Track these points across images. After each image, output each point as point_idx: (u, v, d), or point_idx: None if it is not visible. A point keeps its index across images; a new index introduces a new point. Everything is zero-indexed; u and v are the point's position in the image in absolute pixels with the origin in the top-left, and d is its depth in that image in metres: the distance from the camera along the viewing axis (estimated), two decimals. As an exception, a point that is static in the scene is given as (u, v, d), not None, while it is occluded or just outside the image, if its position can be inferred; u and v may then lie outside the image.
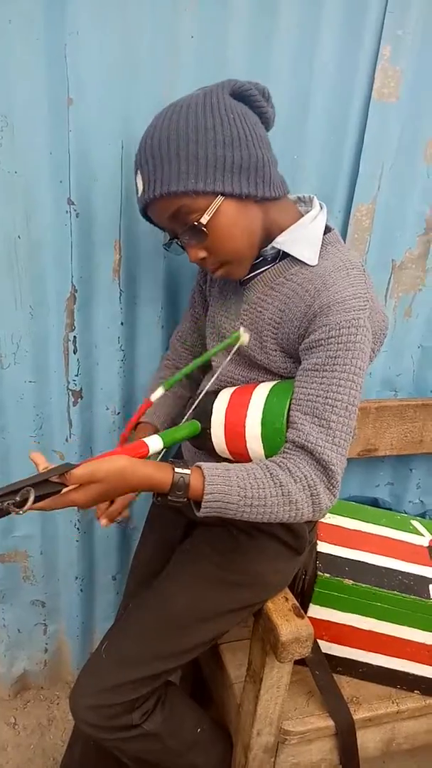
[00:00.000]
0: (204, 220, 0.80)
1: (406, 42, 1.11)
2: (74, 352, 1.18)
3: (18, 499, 0.66)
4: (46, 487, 0.70)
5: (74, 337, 1.16)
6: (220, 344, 0.89)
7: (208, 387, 0.95)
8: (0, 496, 0.66)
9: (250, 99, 0.83)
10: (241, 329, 0.87)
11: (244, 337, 0.87)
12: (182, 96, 0.83)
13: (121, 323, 1.19)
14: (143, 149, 0.81)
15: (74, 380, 1.20)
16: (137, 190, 0.85)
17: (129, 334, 1.22)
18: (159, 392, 0.86)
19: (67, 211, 1.06)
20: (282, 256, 0.88)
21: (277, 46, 1.06)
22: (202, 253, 0.85)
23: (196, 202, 0.80)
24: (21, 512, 0.66)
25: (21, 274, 1.09)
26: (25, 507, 0.66)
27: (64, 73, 0.97)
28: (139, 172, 0.83)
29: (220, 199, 0.80)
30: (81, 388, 1.21)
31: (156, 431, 1.02)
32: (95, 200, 1.07)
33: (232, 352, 0.91)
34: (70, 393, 1.21)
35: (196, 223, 0.80)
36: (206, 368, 1.02)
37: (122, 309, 1.18)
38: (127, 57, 1.00)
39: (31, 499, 0.66)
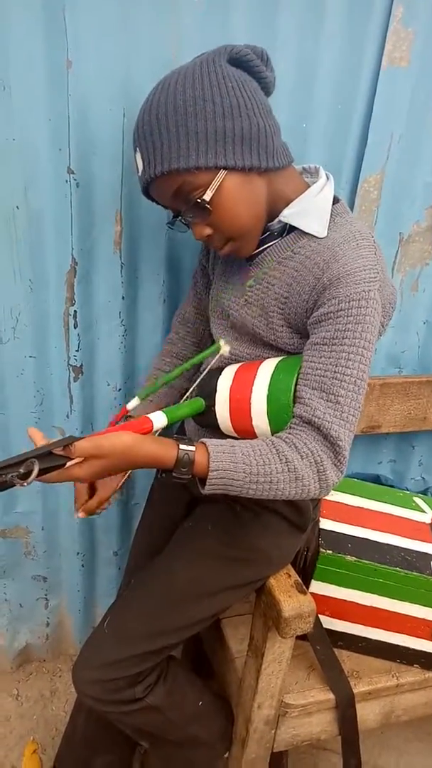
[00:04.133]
0: (207, 196, 0.78)
1: (420, 2, 1.06)
2: (74, 327, 1.15)
3: (22, 471, 0.65)
4: (50, 460, 0.69)
5: (74, 311, 1.14)
6: (200, 354, 0.91)
7: (211, 364, 0.93)
8: (4, 468, 0.65)
9: (249, 64, 0.80)
10: (222, 341, 0.91)
11: (225, 348, 0.90)
12: (184, 62, 0.79)
13: (123, 297, 1.17)
14: (140, 126, 0.79)
15: (75, 356, 1.18)
16: (137, 169, 0.82)
17: (130, 309, 1.19)
18: (134, 402, 0.91)
19: (67, 181, 1.03)
20: (289, 229, 0.85)
21: (284, 9, 1.02)
22: (208, 231, 0.83)
23: (199, 178, 0.77)
24: (25, 484, 0.65)
25: (20, 246, 1.06)
26: (29, 479, 0.65)
27: (63, 35, 0.93)
28: (137, 150, 0.80)
29: (222, 173, 0.77)
30: (81, 364, 1.20)
31: None
32: (96, 169, 1.04)
33: (212, 363, 0.92)
34: (71, 368, 1.19)
35: (199, 200, 0.78)
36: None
37: (123, 283, 1.15)
38: (129, 19, 0.95)
39: (35, 471, 0.65)
